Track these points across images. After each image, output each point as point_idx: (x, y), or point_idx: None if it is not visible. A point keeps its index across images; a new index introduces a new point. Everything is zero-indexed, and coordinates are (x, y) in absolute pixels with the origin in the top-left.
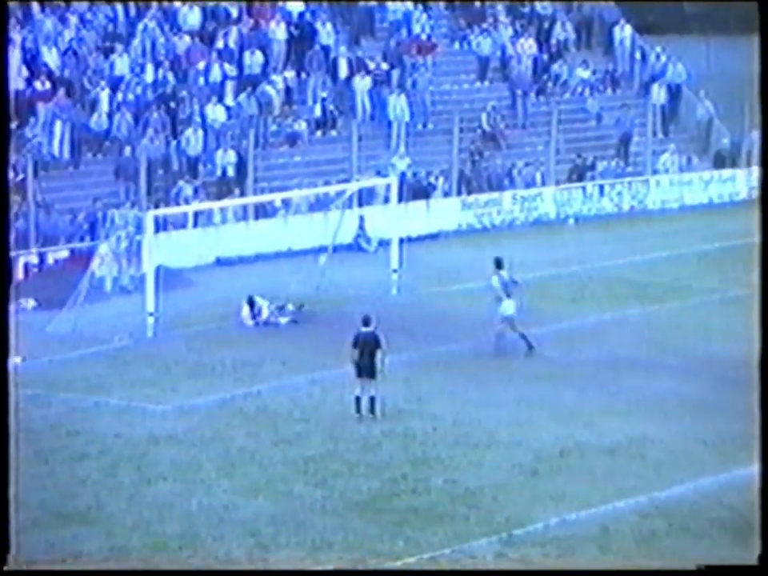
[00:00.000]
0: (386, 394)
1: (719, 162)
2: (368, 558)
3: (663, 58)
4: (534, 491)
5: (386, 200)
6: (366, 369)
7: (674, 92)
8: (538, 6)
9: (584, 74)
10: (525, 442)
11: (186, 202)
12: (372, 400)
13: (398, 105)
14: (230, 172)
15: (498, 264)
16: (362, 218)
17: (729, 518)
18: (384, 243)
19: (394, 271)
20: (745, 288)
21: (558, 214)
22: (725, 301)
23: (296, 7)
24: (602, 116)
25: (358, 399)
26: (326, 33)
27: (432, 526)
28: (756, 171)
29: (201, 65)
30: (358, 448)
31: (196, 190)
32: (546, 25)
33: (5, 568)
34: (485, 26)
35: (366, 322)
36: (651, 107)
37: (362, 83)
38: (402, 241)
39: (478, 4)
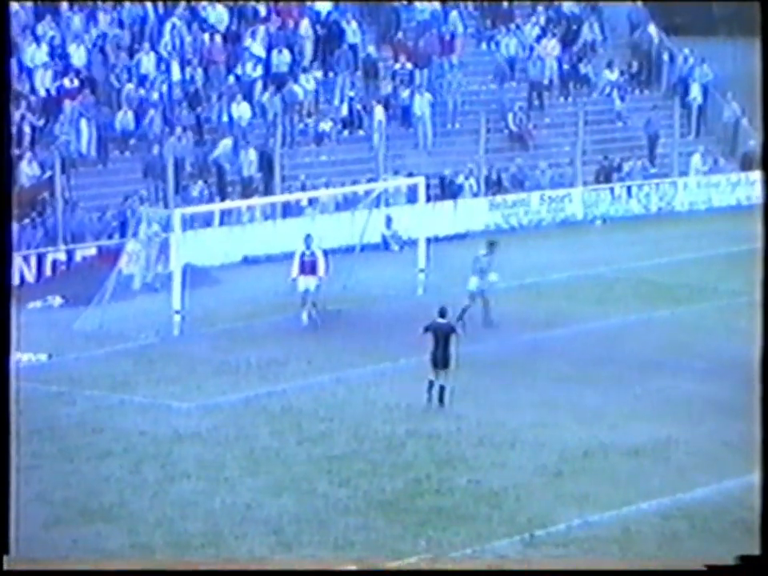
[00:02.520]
0: (411, 394)
1: (747, 164)
2: (390, 558)
3: (691, 60)
4: (557, 492)
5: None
6: (439, 359)
7: (702, 93)
8: (564, 6)
9: (611, 75)
10: (548, 443)
11: (213, 200)
12: (442, 389)
13: (423, 104)
14: (257, 171)
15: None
16: (389, 218)
17: (751, 520)
18: (411, 243)
19: (421, 271)
20: None
21: (585, 214)
22: (751, 303)
23: (324, 6)
24: (628, 117)
25: (431, 384)
26: (353, 32)
27: (455, 526)
28: None
29: (229, 64)
30: (382, 448)
31: (223, 189)
32: (574, 26)
33: (5, 568)
34: (511, 26)
35: (443, 313)
36: (680, 109)
37: (389, 83)
38: (429, 241)
39: (504, 4)
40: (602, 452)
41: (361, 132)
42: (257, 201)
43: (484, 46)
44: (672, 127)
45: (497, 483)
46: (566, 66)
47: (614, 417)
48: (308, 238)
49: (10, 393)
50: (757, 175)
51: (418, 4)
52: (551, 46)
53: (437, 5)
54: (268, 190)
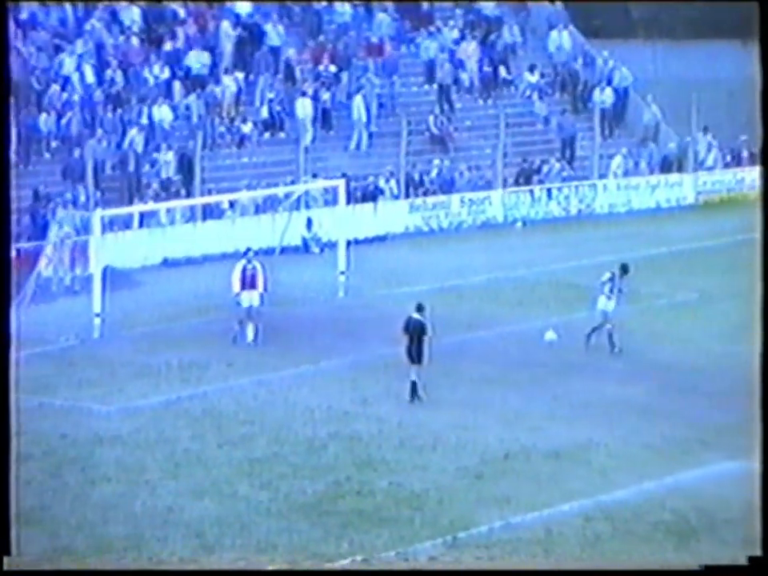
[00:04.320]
0: (332, 396)
1: (666, 166)
2: (312, 560)
3: (611, 63)
4: (478, 494)
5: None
6: (414, 354)
7: (621, 96)
8: (485, 8)
9: (531, 77)
10: (470, 445)
11: (133, 202)
12: (414, 384)
13: (359, 106)
14: (177, 173)
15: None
16: (309, 220)
17: (673, 521)
18: (331, 245)
19: (342, 273)
20: (692, 292)
21: (505, 217)
22: (671, 305)
23: (244, 8)
24: (549, 119)
25: (414, 384)
26: (274, 34)
27: (376, 528)
28: (703, 176)
29: (148, 66)
30: (303, 450)
31: (143, 191)
32: (494, 28)
33: (5, 568)
34: (431, 28)
35: (419, 308)
36: (599, 111)
37: (310, 85)
38: (349, 243)
39: (424, 6)
40: (524, 454)
41: (282, 134)
42: (177, 203)
43: (404, 48)
44: (592, 130)
45: (418, 485)
46: (486, 69)
47: (535, 419)
48: (247, 252)
49: None
50: (676, 177)
51: (338, 6)
52: (471, 49)
53: (358, 7)
54: (188, 193)
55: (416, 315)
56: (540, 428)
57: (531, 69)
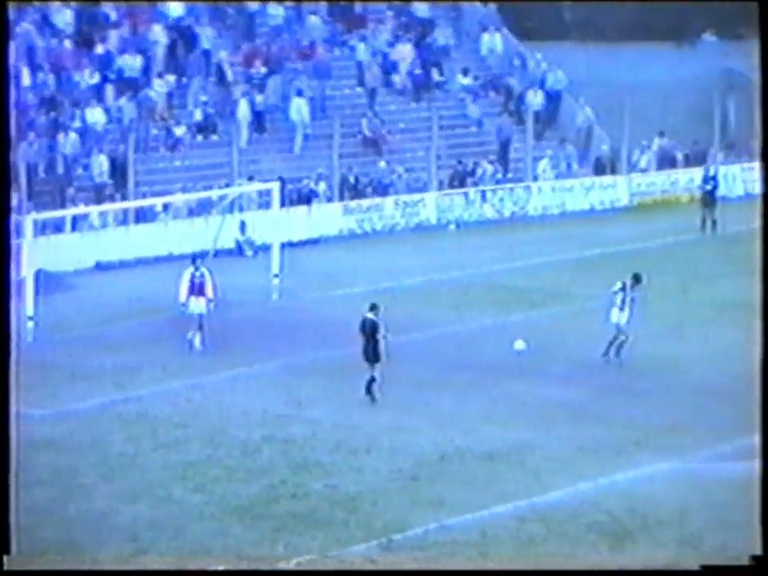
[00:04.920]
0: (266, 399)
1: (599, 168)
2: (247, 563)
3: (543, 65)
4: (413, 496)
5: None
6: (370, 353)
7: (554, 98)
8: (418, 11)
9: (464, 80)
10: (405, 447)
11: (65, 206)
12: (371, 381)
13: (298, 108)
14: (111, 176)
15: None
16: (243, 223)
17: (607, 523)
18: (265, 248)
19: (276, 276)
20: None
21: (439, 219)
22: (605, 307)
23: (177, 11)
24: (482, 122)
25: (372, 380)
26: (206, 37)
27: (311, 530)
28: (636, 178)
29: (81, 69)
30: (237, 453)
31: (75, 194)
32: (426, 30)
33: (5, 568)
34: (365, 31)
35: (373, 308)
36: (531, 113)
37: (244, 87)
38: (283, 246)
39: (357, 9)
40: (458, 456)
41: (215, 137)
42: (110, 206)
43: (337, 51)
44: (525, 131)
45: (353, 488)
46: (419, 71)
47: (469, 421)
48: (196, 260)
49: None
50: (609, 179)
51: (271, 9)
52: (404, 51)
53: (291, 10)
54: (121, 196)
55: (370, 315)
56: (474, 430)
57: (464, 71)
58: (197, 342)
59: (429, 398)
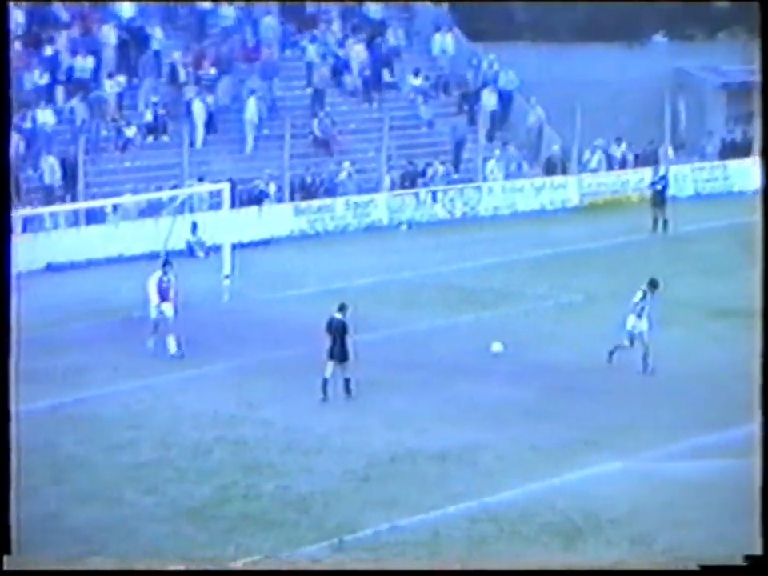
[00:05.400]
0: (217, 400)
1: (550, 168)
2: (198, 565)
3: (495, 65)
4: (365, 497)
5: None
6: (338, 353)
7: (506, 99)
8: (369, 11)
9: (415, 80)
10: (356, 447)
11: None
12: (347, 381)
13: (252, 109)
14: (61, 178)
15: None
16: (194, 224)
17: (558, 522)
18: (216, 249)
19: (226, 277)
20: (576, 294)
21: (390, 220)
22: (556, 307)
23: (127, 12)
24: (433, 122)
25: (325, 382)
26: (157, 38)
27: (263, 531)
28: (587, 178)
29: (30, 69)
30: (188, 454)
31: (26, 196)
32: (378, 31)
33: (5, 568)
34: (316, 31)
35: (341, 308)
36: (482, 114)
37: (195, 88)
38: (234, 247)
39: (308, 9)
40: (410, 457)
41: (165, 138)
42: (60, 207)
43: (288, 51)
44: (476, 132)
45: (305, 489)
46: (370, 72)
47: (421, 421)
48: (166, 265)
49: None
50: (560, 180)
51: (222, 9)
52: (356, 51)
53: (243, 10)
54: (72, 197)
55: (338, 315)
56: (426, 430)
57: (415, 72)
58: (171, 346)
59: (380, 398)
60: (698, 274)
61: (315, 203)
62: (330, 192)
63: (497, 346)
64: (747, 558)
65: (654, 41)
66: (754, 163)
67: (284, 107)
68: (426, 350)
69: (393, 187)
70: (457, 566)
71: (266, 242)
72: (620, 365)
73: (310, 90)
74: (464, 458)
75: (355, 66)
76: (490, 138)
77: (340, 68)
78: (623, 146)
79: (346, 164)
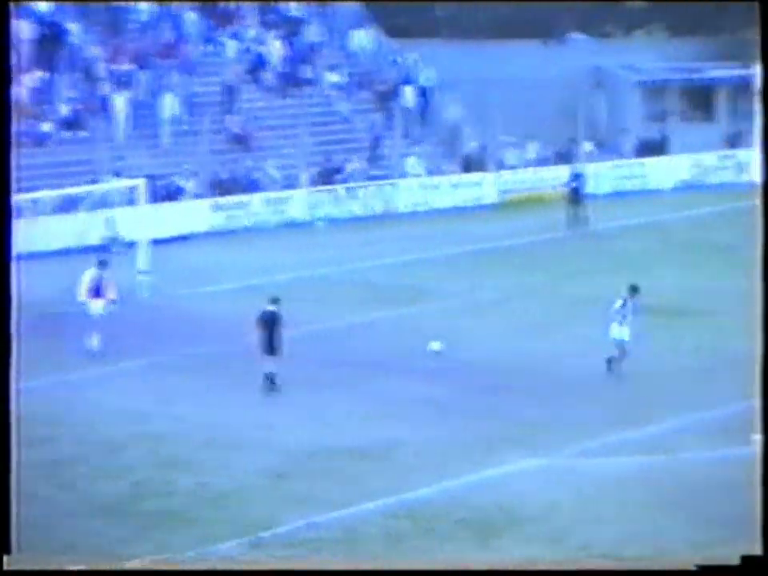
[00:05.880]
0: (134, 396)
1: (467, 165)
2: (114, 561)
3: (414, 62)
4: (281, 494)
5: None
6: (269, 346)
7: (424, 95)
8: (288, 8)
9: (333, 77)
10: (273, 444)
11: None
12: (272, 375)
13: (169, 104)
14: None
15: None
16: (110, 219)
17: (475, 519)
18: (133, 245)
19: (143, 273)
20: (493, 291)
21: (307, 216)
22: (473, 304)
23: (44, 6)
24: (351, 119)
25: (266, 375)
26: (74, 32)
27: (179, 528)
28: (504, 175)
29: None
30: (104, 451)
31: None
32: (296, 27)
33: (5, 568)
34: (234, 27)
35: (274, 301)
36: (402, 110)
37: (112, 84)
38: (151, 243)
39: (227, 6)
40: (327, 453)
41: (82, 133)
42: None
43: (208, 47)
44: (394, 129)
45: (221, 485)
46: (288, 68)
47: (338, 418)
48: (101, 264)
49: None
50: (477, 177)
51: (140, 5)
52: (274, 48)
53: (155, 6)
54: None
55: (270, 307)
56: (344, 427)
57: (333, 68)
58: (95, 343)
59: (297, 395)
60: (615, 272)
61: (233, 199)
62: (248, 188)
63: (435, 345)
64: (744, 558)
65: (571, 38)
66: (671, 161)
67: (202, 103)
68: (344, 347)
69: (310, 183)
70: (372, 564)
71: (183, 238)
72: (536, 362)
73: (227, 86)
74: (381, 454)
75: (273, 62)
76: (408, 134)
77: (258, 64)
78: (540, 143)
79: (265, 161)
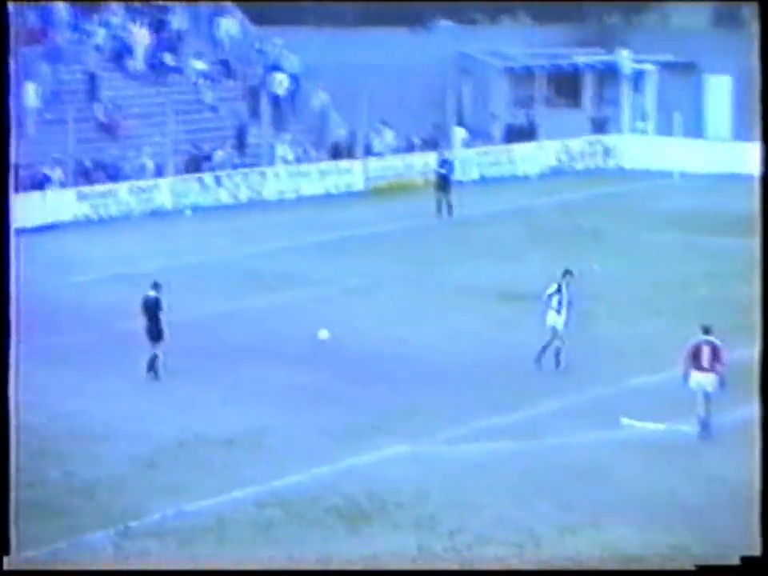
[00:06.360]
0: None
1: (336, 153)
2: None
3: (280, 50)
4: (151, 483)
5: None
6: (153, 332)
7: (291, 83)
8: None
9: (199, 65)
10: (143, 433)
11: None
12: (155, 358)
13: (30, 92)
14: None
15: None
16: None
17: (344, 506)
18: None
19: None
20: (363, 278)
21: (174, 204)
22: (343, 291)
23: None
24: (218, 107)
25: (154, 358)
26: None
27: (48, 519)
28: (372, 162)
29: None
30: None
31: None
32: (162, 15)
33: (5, 568)
34: (101, 15)
35: (155, 286)
36: (267, 98)
37: None
38: (17, 232)
39: None
40: (197, 442)
41: None
42: None
43: (74, 35)
44: (262, 116)
45: (90, 475)
46: (154, 56)
47: (207, 406)
48: None
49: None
50: (346, 164)
51: None
52: (141, 35)
53: None
54: None
55: (152, 293)
56: (213, 415)
57: (199, 56)
58: None
59: (166, 383)
60: (483, 258)
61: (99, 188)
62: (114, 177)
63: (323, 334)
64: (744, 558)
65: (437, 25)
66: (539, 147)
67: (67, 91)
68: (213, 335)
69: (177, 172)
70: (243, 551)
71: (49, 228)
72: (406, 349)
73: (94, 74)
74: (251, 442)
75: (139, 50)
76: (276, 122)
77: (124, 52)
78: (408, 130)
79: (132, 149)
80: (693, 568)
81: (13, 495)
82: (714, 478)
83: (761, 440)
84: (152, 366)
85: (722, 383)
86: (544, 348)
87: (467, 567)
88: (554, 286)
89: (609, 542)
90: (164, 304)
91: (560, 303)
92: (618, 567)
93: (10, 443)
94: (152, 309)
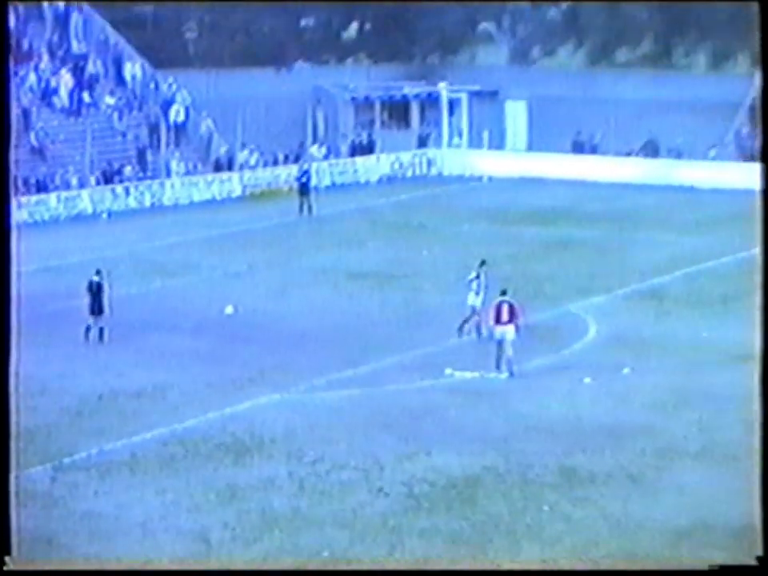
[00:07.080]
0: None
1: (218, 166)
2: None
3: (174, 87)
4: (79, 428)
5: None
6: (95, 307)
7: (184, 113)
8: (73, 47)
9: (111, 100)
10: (71, 389)
11: None
12: (102, 330)
13: None
14: None
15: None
16: None
17: (231, 442)
18: None
19: None
20: (241, 265)
21: (94, 210)
22: (226, 275)
23: None
24: (126, 133)
25: (87, 329)
26: None
27: None
28: (247, 174)
29: None
30: None
31: None
32: (81, 62)
33: (5, 568)
34: (31, 62)
35: (97, 273)
36: (165, 125)
37: None
38: None
39: (25, 46)
40: (113, 395)
41: None
42: None
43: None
44: (160, 139)
45: (31, 422)
46: (75, 94)
47: (121, 367)
48: None
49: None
50: (227, 175)
51: None
52: (66, 78)
53: None
54: None
55: (95, 278)
56: (125, 374)
57: (111, 93)
58: None
59: (88, 349)
60: (335, 246)
61: (33, 198)
62: (45, 189)
63: (229, 309)
64: (760, 558)
65: (296, 66)
66: (377, 159)
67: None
68: (126, 312)
69: (96, 184)
70: (154, 480)
71: None
72: (276, 318)
73: (28, 109)
74: (156, 395)
75: (63, 89)
76: (171, 144)
77: (51, 91)
78: (275, 148)
79: (59, 168)
80: (705, 568)
81: None
82: (517, 413)
83: (760, 439)
84: (87, 334)
85: (517, 330)
86: (464, 321)
87: (328, 490)
88: (474, 273)
89: (436, 467)
90: (105, 286)
91: (479, 286)
92: (446, 488)
93: None
94: (95, 290)
